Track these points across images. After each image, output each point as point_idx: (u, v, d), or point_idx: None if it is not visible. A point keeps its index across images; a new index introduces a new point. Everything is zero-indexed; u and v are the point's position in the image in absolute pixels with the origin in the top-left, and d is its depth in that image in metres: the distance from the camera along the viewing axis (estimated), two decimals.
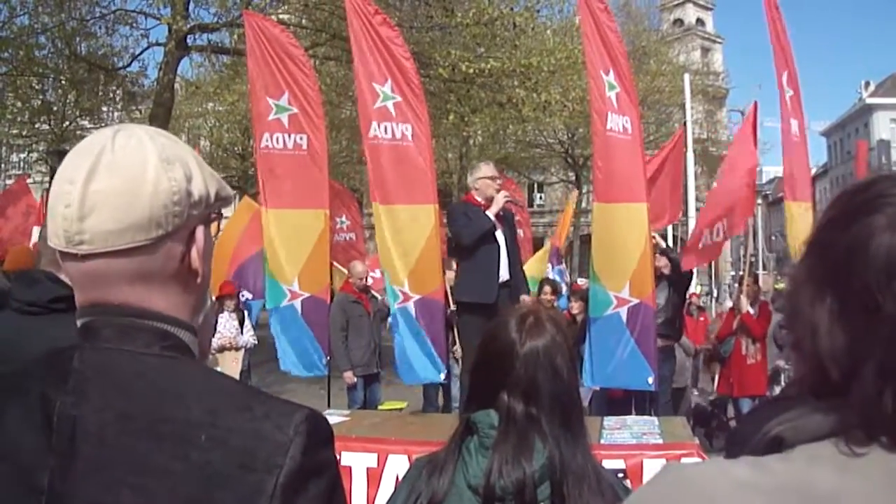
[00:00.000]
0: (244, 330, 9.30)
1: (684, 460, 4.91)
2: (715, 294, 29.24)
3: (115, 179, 1.03)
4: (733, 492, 0.80)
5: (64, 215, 1.04)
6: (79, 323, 1.10)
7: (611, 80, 7.09)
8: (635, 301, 6.95)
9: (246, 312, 9.70)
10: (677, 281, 8.07)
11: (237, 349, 9.12)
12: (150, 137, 1.09)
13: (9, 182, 27.01)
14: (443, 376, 7.38)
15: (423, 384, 8.90)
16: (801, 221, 7.41)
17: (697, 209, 18.75)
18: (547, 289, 9.77)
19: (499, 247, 6.69)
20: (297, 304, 7.82)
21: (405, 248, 7.25)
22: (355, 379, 8.65)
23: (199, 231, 1.11)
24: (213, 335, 8.28)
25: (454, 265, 8.00)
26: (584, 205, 31.58)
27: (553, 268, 13.25)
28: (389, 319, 7.71)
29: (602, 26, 7.18)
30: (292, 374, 8.20)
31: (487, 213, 6.63)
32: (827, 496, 0.78)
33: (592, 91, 7.16)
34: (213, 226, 1.18)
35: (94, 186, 1.03)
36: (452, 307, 7.76)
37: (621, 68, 7.18)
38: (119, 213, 1.03)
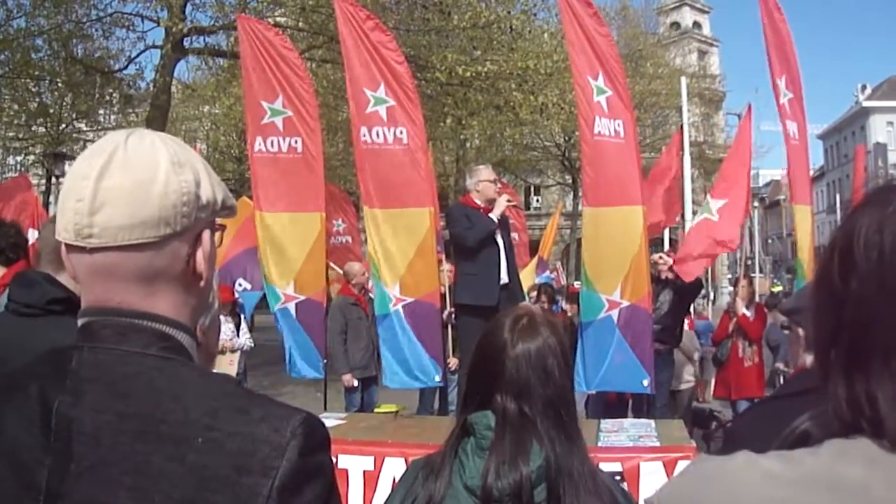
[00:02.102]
0: (240, 333, 9.29)
1: (681, 463, 4.92)
2: (711, 297, 29.22)
3: (126, 177, 1.06)
4: (762, 482, 0.82)
5: (75, 209, 1.06)
6: (79, 322, 1.11)
7: (600, 85, 7.10)
8: (627, 303, 6.95)
9: (242, 315, 9.68)
10: (684, 290, 8.07)
11: (233, 352, 9.10)
12: (162, 141, 1.11)
13: None
14: (438, 379, 7.37)
15: (419, 387, 8.92)
16: (798, 225, 7.44)
17: (694, 212, 18.71)
18: (544, 298, 9.80)
19: (499, 249, 6.72)
20: (291, 307, 7.81)
21: (399, 251, 7.26)
22: (356, 382, 8.63)
23: (206, 235, 1.13)
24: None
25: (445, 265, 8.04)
26: (579, 208, 31.59)
27: (539, 276, 13.32)
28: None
29: (589, 31, 7.19)
30: (298, 377, 8.19)
31: (490, 215, 6.64)
32: (856, 487, 0.78)
33: (579, 97, 7.19)
34: (218, 235, 1.20)
35: (105, 183, 1.05)
36: (450, 309, 7.78)
37: (612, 71, 7.19)
38: (130, 209, 1.05)
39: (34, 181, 29.27)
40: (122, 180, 1.05)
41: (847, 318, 0.84)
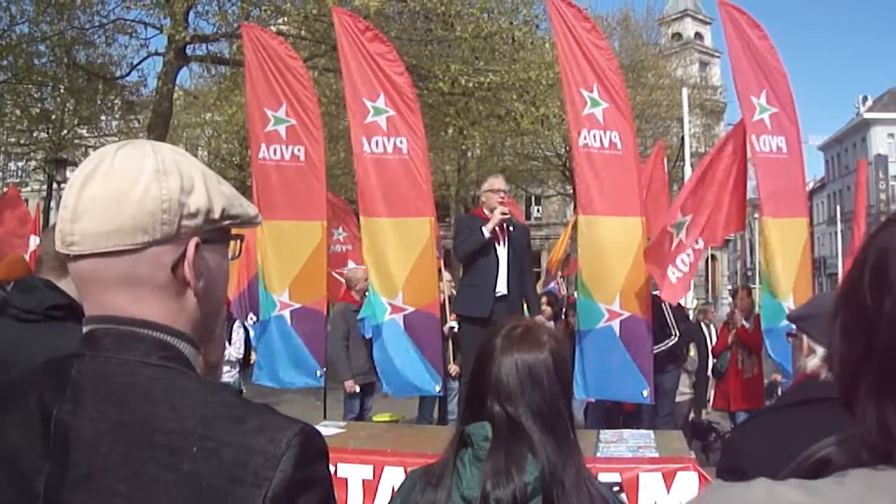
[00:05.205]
0: (232, 342, 9.21)
1: (680, 474, 4.93)
2: (711, 308, 29.16)
3: (106, 185, 1.06)
4: None
5: (62, 217, 1.08)
6: (84, 330, 1.11)
7: (594, 97, 7.16)
8: (627, 314, 6.97)
9: (248, 330, 9.63)
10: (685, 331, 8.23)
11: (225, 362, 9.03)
12: (153, 150, 1.11)
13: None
14: (437, 388, 7.37)
15: (419, 397, 8.91)
16: (791, 237, 7.41)
17: None
18: (544, 298, 9.79)
19: (497, 261, 6.71)
20: (286, 314, 7.80)
21: (397, 261, 7.28)
22: (357, 388, 8.63)
23: (192, 243, 1.11)
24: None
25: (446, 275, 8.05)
26: None
27: (544, 287, 13.36)
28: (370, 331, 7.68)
29: (584, 44, 7.26)
30: (264, 386, 8.16)
31: (483, 228, 6.66)
32: None
33: (568, 109, 7.31)
34: (233, 245, 1.20)
35: (87, 191, 1.07)
36: (451, 320, 7.80)
37: (610, 83, 7.25)
38: (105, 216, 1.06)
39: (35, 187, 29.41)
40: (102, 188, 1.06)
41: (880, 340, 0.77)
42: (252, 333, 9.93)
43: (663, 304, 7.91)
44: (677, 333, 8.07)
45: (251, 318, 9.98)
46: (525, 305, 7.19)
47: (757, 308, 10.02)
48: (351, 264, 9.95)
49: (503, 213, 6.74)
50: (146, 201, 1.06)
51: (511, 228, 6.86)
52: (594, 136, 7.14)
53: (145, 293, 1.09)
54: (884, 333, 0.76)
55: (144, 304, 1.09)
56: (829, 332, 0.85)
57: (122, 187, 1.06)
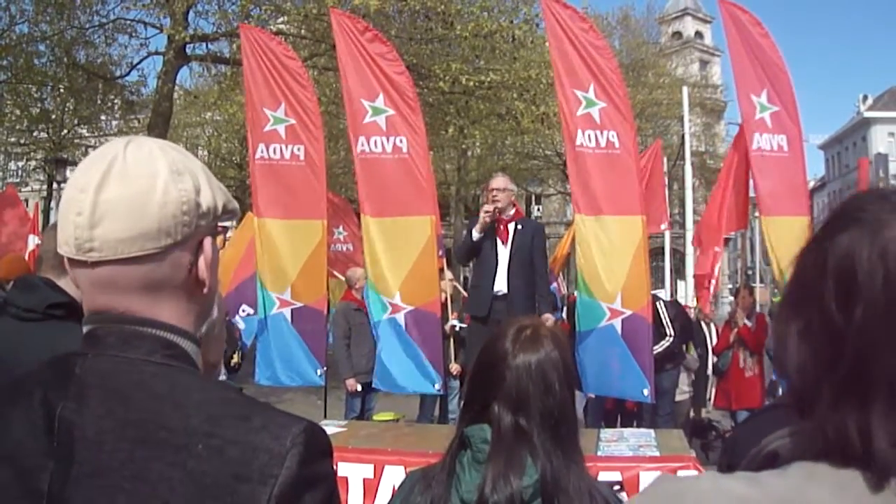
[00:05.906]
0: None
1: (680, 472, 4.91)
2: (712, 307, 29.17)
3: (125, 188, 1.05)
4: None
5: (75, 223, 1.05)
6: (84, 329, 1.11)
7: (590, 97, 7.15)
8: (629, 312, 6.96)
9: (240, 327, 9.61)
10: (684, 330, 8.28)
11: None
12: (160, 149, 1.10)
13: None
14: (437, 387, 7.37)
15: (420, 395, 8.90)
16: (792, 236, 7.39)
17: (695, 221, 18.73)
18: None
19: (497, 261, 6.72)
20: (287, 312, 7.80)
21: (397, 260, 7.29)
22: (359, 387, 8.64)
23: (207, 242, 1.12)
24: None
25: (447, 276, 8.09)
26: None
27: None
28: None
29: (580, 44, 7.24)
30: (264, 385, 8.14)
31: (473, 230, 6.71)
32: None
33: (562, 109, 7.31)
34: (219, 238, 1.19)
35: (104, 195, 1.04)
36: (452, 318, 7.80)
37: (608, 83, 7.22)
38: (129, 221, 1.04)
39: (35, 187, 29.46)
40: (120, 192, 1.05)
41: (849, 349, 0.77)
42: (243, 327, 9.92)
43: (657, 304, 7.95)
44: (673, 333, 8.10)
45: (243, 311, 9.97)
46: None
47: (758, 307, 10.02)
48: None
49: (486, 212, 6.76)
50: (168, 204, 1.06)
51: (520, 227, 6.87)
52: (589, 137, 7.13)
53: (162, 295, 1.09)
54: (854, 342, 0.77)
55: (158, 306, 1.09)
56: (776, 339, 0.85)
57: (143, 189, 1.05)
